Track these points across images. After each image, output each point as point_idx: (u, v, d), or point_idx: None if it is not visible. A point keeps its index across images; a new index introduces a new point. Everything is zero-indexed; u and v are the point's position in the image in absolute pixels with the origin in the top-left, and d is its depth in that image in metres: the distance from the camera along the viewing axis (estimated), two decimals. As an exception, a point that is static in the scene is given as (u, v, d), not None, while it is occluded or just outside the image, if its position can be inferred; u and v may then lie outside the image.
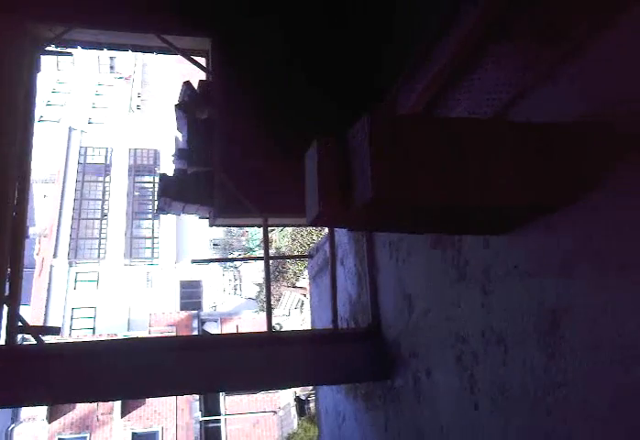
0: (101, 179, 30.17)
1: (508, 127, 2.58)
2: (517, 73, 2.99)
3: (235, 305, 27.58)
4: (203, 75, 5.48)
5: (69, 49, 5.74)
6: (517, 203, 2.45)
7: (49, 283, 26.60)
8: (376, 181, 2.25)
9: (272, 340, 4.83)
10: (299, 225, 7.68)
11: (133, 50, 5.56)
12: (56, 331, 5.73)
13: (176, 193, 4.99)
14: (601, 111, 2.39)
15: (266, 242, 5.24)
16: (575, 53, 2.56)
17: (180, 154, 5.03)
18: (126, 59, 36.91)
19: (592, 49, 2.47)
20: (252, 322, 24.02)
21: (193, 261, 6.70)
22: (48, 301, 26.12)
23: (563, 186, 2.41)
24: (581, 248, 2.41)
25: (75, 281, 27.45)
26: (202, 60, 5.49)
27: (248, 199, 4.79)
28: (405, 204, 2.42)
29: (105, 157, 30.92)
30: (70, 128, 30.94)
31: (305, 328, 16.75)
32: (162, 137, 28.63)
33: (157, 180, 23.54)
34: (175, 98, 5.39)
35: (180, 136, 5.27)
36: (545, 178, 2.38)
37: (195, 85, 5.21)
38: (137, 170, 30.72)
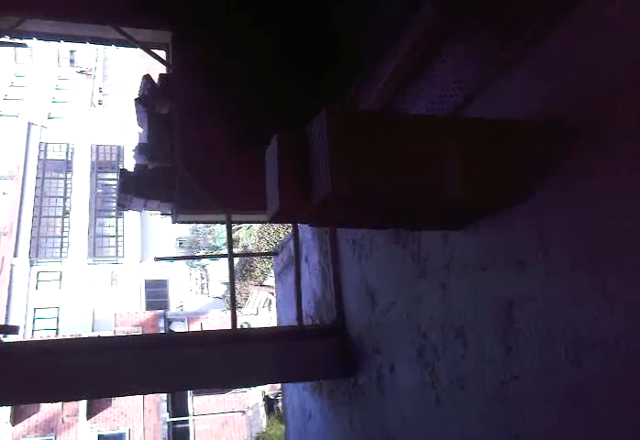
0: (62, 175, 29.46)
1: (459, 124, 2.60)
2: (473, 70, 3.01)
3: (202, 304, 27.32)
4: (165, 69, 5.37)
5: (24, 41, 5.56)
6: (468, 200, 2.47)
7: (10, 283, 25.91)
8: (334, 177, 2.25)
9: (237, 338, 4.78)
10: (262, 222, 7.65)
11: (91, 43, 5.40)
12: (14, 330, 5.59)
13: (137, 189, 4.89)
14: (552, 108, 2.42)
15: (229, 238, 5.18)
16: (527, 51, 2.59)
17: (140, 149, 4.93)
18: (87, 52, 36.01)
19: (543, 48, 2.50)
20: (220, 321, 23.83)
21: (157, 259, 6.60)
22: (8, 301, 25.44)
23: (513, 183, 2.44)
24: (533, 244, 2.44)
25: (37, 281, 26.78)
26: (162, 54, 5.38)
27: (211, 195, 4.72)
28: (363, 201, 2.42)
29: (67, 153, 30.19)
30: (29, 123, 30.10)
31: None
32: (126, 133, 28.08)
33: (121, 177, 23.10)
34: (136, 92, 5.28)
35: (140, 130, 5.17)
36: (495, 175, 2.41)
37: (156, 79, 5.11)
38: (99, 167, 30.08)
